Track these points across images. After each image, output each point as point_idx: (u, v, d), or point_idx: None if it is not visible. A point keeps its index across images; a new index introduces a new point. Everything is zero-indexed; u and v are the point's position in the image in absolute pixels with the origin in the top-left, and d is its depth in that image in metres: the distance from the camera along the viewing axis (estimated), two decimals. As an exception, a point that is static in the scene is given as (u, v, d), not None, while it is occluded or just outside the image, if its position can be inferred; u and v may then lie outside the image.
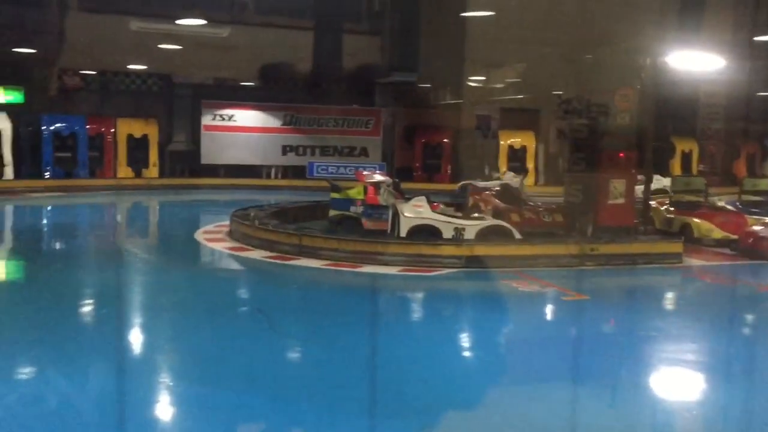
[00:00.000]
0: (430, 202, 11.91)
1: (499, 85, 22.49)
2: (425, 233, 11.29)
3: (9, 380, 5.59)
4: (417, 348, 6.90)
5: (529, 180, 24.23)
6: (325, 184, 21.78)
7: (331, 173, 23.45)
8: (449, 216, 11.82)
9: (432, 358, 6.48)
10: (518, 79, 21.19)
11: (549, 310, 9.01)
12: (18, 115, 20.73)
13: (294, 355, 6.78)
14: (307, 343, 6.96)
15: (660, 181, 17.68)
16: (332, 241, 11.08)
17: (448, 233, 11.34)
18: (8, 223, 15.82)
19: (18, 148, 20.21)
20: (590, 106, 12.20)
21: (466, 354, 7.17)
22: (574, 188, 12.85)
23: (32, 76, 21.17)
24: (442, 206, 12.45)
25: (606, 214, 12.04)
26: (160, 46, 16.46)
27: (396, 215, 11.79)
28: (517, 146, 24.76)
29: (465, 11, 13.62)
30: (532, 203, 13.66)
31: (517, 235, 11.33)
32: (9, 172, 19.88)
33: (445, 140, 24.76)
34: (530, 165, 24.42)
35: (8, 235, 14.54)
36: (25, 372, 5.84)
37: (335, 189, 13.48)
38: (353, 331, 7.45)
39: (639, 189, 13.03)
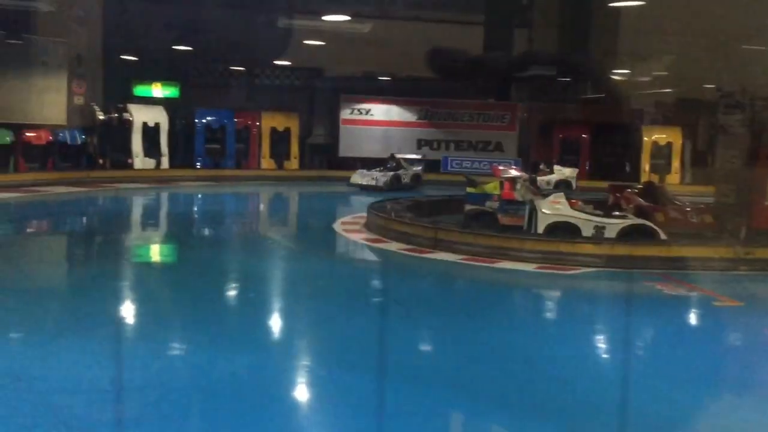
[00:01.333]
0: (568, 198, 11.63)
1: (645, 79, 21.47)
2: (563, 230, 11.04)
3: (160, 354, 6.05)
4: (554, 347, 6.77)
5: (674, 178, 23.09)
6: (458, 178, 21.81)
7: (465, 168, 23.37)
8: (589, 213, 11.48)
9: (570, 359, 6.34)
10: (665, 72, 20.15)
11: (698, 316, 8.56)
12: (173, 109, 22.20)
13: (430, 346, 6.85)
14: (443, 335, 7.01)
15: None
16: (468, 236, 11.07)
17: (587, 231, 11.01)
18: (164, 209, 17.03)
19: (173, 140, 21.63)
20: (754, 100, 11.40)
21: (606, 356, 6.95)
22: (726, 188, 12.09)
23: (187, 72, 22.58)
24: (581, 203, 12.11)
25: (763, 216, 11.25)
26: (305, 42, 17.06)
27: (533, 211, 11.60)
28: (661, 142, 23.58)
29: (613, 1, 13.11)
30: (678, 202, 12.99)
31: (663, 236, 10.82)
32: (165, 162, 21.32)
33: (583, 136, 24.00)
34: (675, 163, 23.22)
35: (163, 221, 15.64)
36: (176, 349, 6.25)
37: (471, 184, 13.43)
38: (489, 326, 7.42)
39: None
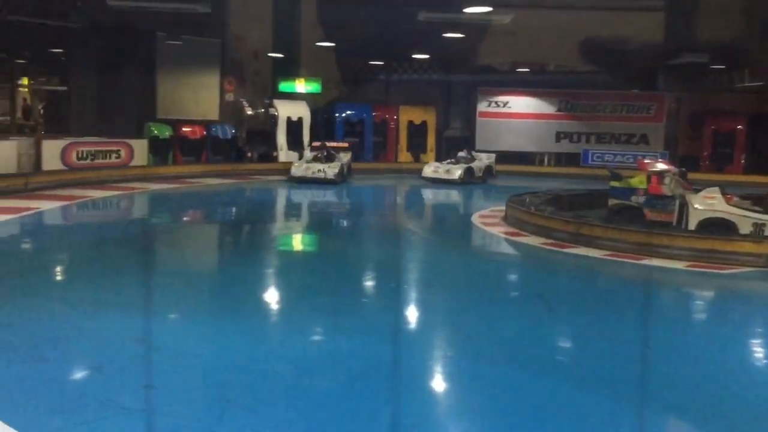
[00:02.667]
0: (723, 193, 10.96)
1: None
2: (717, 227, 10.43)
3: (306, 339, 6.31)
4: (708, 350, 6.42)
5: None
6: (599, 172, 21.08)
7: (607, 161, 22.55)
8: (747, 209, 10.77)
9: (727, 364, 5.99)
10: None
11: None
12: (315, 104, 22.97)
13: (573, 342, 6.68)
14: (587, 331, 6.82)
15: None
16: (612, 231, 10.70)
17: (745, 228, 10.35)
18: (306, 200, 17.65)
19: (314, 134, 22.38)
20: None
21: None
22: None
23: (328, 67, 23.27)
24: (736, 198, 11.37)
25: None
26: (445, 35, 17.08)
27: (684, 207, 11.05)
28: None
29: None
30: None
31: (833, 235, 9.96)
32: (307, 155, 22.08)
33: (738, 127, 22.44)
34: None
35: (307, 211, 16.24)
36: (321, 335, 6.47)
37: (615, 177, 12.98)
38: (638, 324, 7.17)
39: None
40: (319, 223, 14.28)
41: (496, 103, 24.43)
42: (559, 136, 24.42)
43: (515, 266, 10.59)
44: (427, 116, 23.87)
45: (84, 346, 5.71)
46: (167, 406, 4.58)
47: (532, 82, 24.31)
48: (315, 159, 19.27)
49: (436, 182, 19.71)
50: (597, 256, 10.09)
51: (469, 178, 19.87)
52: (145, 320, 6.50)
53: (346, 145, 20.58)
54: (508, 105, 24.43)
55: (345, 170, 19.40)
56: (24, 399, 4.62)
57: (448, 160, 20.75)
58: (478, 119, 24.47)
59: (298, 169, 19.00)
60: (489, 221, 13.17)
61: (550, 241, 11.02)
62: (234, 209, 15.72)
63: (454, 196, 19.12)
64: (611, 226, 10.93)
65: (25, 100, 20.45)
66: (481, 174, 20.55)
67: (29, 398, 4.67)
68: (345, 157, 19.96)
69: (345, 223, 14.63)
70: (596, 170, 21.78)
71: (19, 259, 9.43)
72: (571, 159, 24.17)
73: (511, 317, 7.14)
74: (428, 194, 19.83)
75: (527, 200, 13.13)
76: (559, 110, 24.43)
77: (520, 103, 24.48)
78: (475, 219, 13.69)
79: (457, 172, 19.72)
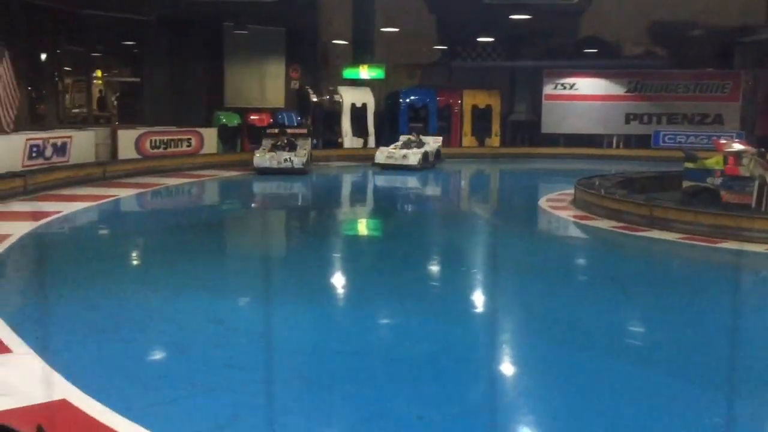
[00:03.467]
0: (807, 174, 10.51)
1: None
2: (800, 209, 10.03)
3: (376, 321, 6.37)
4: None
5: None
6: (671, 154, 20.52)
7: (680, 142, 21.94)
8: (833, 190, 10.30)
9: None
10: None
11: None
12: (379, 90, 23.03)
13: (650, 327, 6.53)
14: (664, 316, 6.67)
15: None
16: (688, 213, 10.41)
17: (830, 210, 9.91)
18: (371, 185, 17.76)
19: (378, 120, 22.47)
20: None
21: None
22: None
23: (392, 53, 23.27)
24: (821, 179, 10.88)
25: None
26: (511, 17, 16.85)
27: (763, 188, 10.65)
28: None
29: None
30: None
31: None
32: (371, 140, 22.22)
33: (821, 105, 21.44)
34: None
35: (373, 196, 16.35)
36: (392, 317, 6.51)
37: (690, 159, 12.59)
38: (715, 309, 6.95)
39: None
40: (385, 209, 14.34)
41: (562, 85, 24.00)
42: (628, 118, 23.84)
43: (587, 250, 10.43)
44: (492, 100, 23.63)
45: (165, 327, 5.92)
46: (247, 385, 4.71)
47: (600, 63, 23.73)
48: (275, 147, 17.36)
49: (391, 168, 18.44)
50: (671, 240, 9.84)
51: (426, 163, 18.91)
52: (221, 302, 6.68)
53: (304, 131, 18.87)
54: (575, 87, 23.97)
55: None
56: (112, 378, 4.82)
57: (394, 144, 19.54)
58: (544, 102, 24.11)
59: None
60: (557, 205, 12.99)
61: (621, 224, 10.80)
62: (300, 195, 15.94)
63: (520, 180, 18.89)
64: (686, 209, 10.64)
65: (100, 91, 21.16)
66: (432, 159, 19.59)
67: (117, 377, 4.87)
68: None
69: (409, 209, 14.65)
70: (668, 152, 21.22)
71: (100, 244, 9.82)
72: (641, 141, 23.58)
73: (585, 302, 7.04)
74: (494, 179, 19.68)
75: (597, 183, 12.88)
76: (628, 91, 23.83)
77: (588, 85, 23.98)
78: (543, 203, 13.52)
79: (415, 157, 18.54)
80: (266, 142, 17.69)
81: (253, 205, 14.64)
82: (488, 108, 23.60)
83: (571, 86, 23.96)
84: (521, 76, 24.45)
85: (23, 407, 4.21)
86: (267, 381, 4.83)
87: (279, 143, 17.51)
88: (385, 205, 14.92)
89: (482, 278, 8.08)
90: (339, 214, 13.59)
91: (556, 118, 23.90)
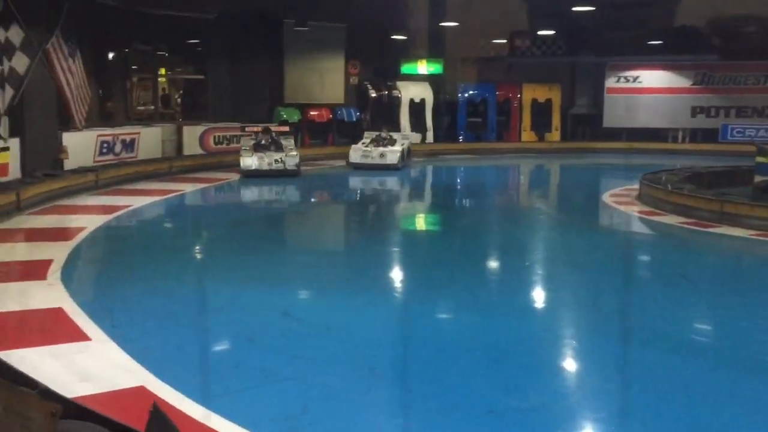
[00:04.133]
0: None
1: None
2: None
3: (442, 316, 6.35)
4: None
5: None
6: (739, 148, 19.87)
7: (749, 136, 21.21)
8: None
9: None
10: None
11: None
12: (437, 85, 22.94)
13: (723, 324, 6.34)
14: (737, 313, 6.46)
15: None
16: (761, 209, 10.06)
17: None
18: (431, 180, 17.74)
19: (436, 115, 22.39)
20: None
21: None
22: None
23: (451, 47, 23.14)
24: None
25: None
26: (573, 9, 16.56)
27: (843, 183, 10.22)
28: None
29: None
30: None
31: None
32: (430, 136, 22.18)
33: None
34: None
35: (434, 191, 16.30)
36: (455, 311, 6.48)
37: (763, 153, 12.17)
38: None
39: None
40: (446, 204, 14.29)
41: (625, 78, 23.49)
42: (694, 111, 23.17)
43: (655, 246, 10.17)
44: (552, 94, 23.30)
45: (235, 318, 6.03)
46: (317, 376, 4.76)
47: (664, 55, 23.09)
48: (260, 147, 15.67)
49: (369, 169, 16.57)
50: (743, 236, 9.54)
51: (405, 162, 17.39)
52: (286, 294, 6.78)
53: (286, 129, 17.18)
54: (638, 80, 23.42)
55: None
56: (187, 366, 4.95)
57: (362, 141, 17.68)
58: (606, 96, 23.62)
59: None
60: (622, 200, 12.74)
61: (690, 220, 10.53)
62: (361, 190, 16.02)
63: (583, 175, 18.55)
64: (759, 204, 10.29)
65: (163, 89, 21.68)
66: (406, 158, 17.80)
67: (191, 364, 5.00)
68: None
69: (469, 204, 14.56)
70: (736, 146, 20.56)
71: (169, 237, 10.09)
72: (708, 135, 22.88)
73: (655, 298, 6.88)
74: (555, 174, 19.38)
75: (663, 178, 12.59)
76: (694, 84, 23.15)
77: (652, 78, 23.40)
78: (607, 198, 13.27)
79: (394, 156, 16.64)
80: (246, 142, 15.93)
81: (313, 199, 14.77)
82: (548, 102, 23.28)
83: (635, 79, 23.42)
84: (583, 69, 23.99)
85: (103, 393, 4.35)
86: (336, 372, 4.87)
87: (263, 142, 15.83)
88: (444, 201, 14.86)
89: (549, 273, 7.99)
90: (399, 210, 13.61)
91: (619, 112, 23.40)
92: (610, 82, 23.56)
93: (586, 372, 5.12)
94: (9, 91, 11.26)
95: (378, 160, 16.74)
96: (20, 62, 11.55)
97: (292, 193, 14.55)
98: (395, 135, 18.26)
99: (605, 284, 7.37)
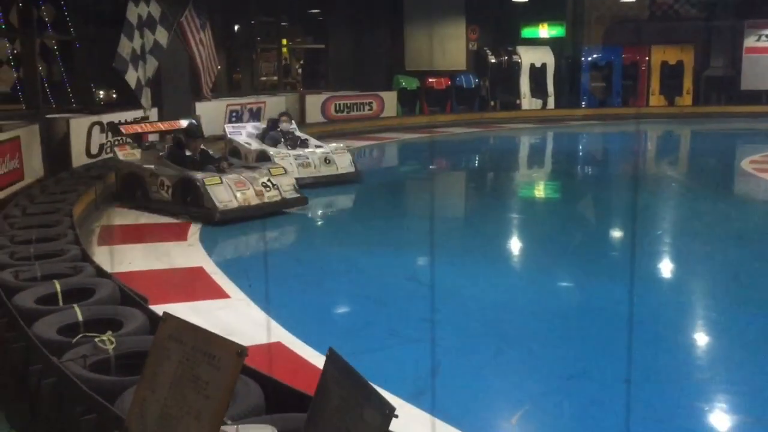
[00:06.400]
0: None
1: None
2: None
3: (567, 283, 6.22)
4: None
5: None
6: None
7: None
8: None
9: None
10: None
11: None
12: (559, 49, 22.18)
13: None
14: None
15: None
16: None
17: None
18: (552, 147, 17.30)
19: (558, 80, 21.69)
20: None
21: None
22: None
23: (574, 9, 22.30)
24: None
25: None
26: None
27: None
28: None
29: None
30: None
31: None
32: (551, 102, 21.56)
33: None
34: None
35: (554, 159, 15.89)
36: (579, 279, 6.31)
37: None
38: None
39: None
40: (569, 171, 13.91)
41: (767, 36, 21.76)
42: None
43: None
44: (684, 56, 21.98)
45: (364, 281, 6.18)
46: (445, 340, 4.79)
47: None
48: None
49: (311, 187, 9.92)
50: None
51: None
52: (413, 260, 6.85)
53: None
54: (782, 38, 21.65)
55: None
56: (320, 324, 5.13)
57: (277, 151, 10.58)
58: (745, 56, 21.99)
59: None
60: (763, 167, 11.95)
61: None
62: (478, 157, 15.85)
63: (717, 141, 17.44)
64: None
65: (285, 59, 22.24)
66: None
67: (325, 324, 5.18)
68: None
69: (591, 171, 14.10)
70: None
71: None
72: None
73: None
74: (687, 140, 18.36)
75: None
76: None
77: (798, 35, 21.56)
78: (746, 165, 12.47)
79: (344, 161, 10.76)
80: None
81: (438, 167, 14.74)
82: (679, 64, 21.98)
83: (777, 37, 21.68)
84: (718, 29, 22.43)
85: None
86: (463, 335, 4.90)
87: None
88: (567, 168, 14.46)
89: (686, 244, 7.65)
90: (522, 177, 13.39)
91: (759, 73, 21.75)
92: (750, 42, 21.91)
93: (720, 346, 4.89)
94: (152, 63, 11.92)
95: (325, 172, 10.61)
96: (161, 35, 12.20)
97: (426, 158, 14.56)
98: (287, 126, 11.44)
99: (745, 256, 6.96)
